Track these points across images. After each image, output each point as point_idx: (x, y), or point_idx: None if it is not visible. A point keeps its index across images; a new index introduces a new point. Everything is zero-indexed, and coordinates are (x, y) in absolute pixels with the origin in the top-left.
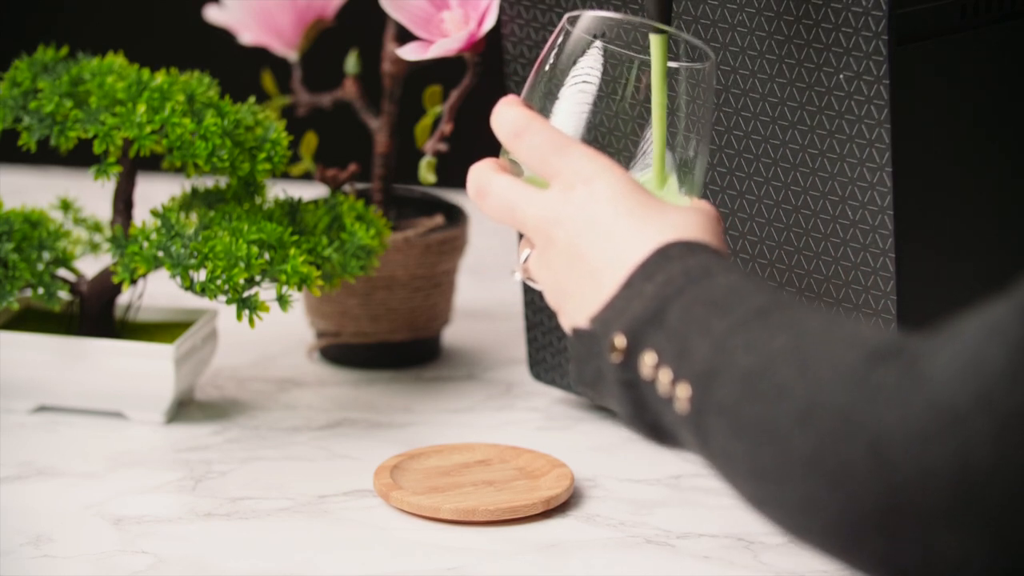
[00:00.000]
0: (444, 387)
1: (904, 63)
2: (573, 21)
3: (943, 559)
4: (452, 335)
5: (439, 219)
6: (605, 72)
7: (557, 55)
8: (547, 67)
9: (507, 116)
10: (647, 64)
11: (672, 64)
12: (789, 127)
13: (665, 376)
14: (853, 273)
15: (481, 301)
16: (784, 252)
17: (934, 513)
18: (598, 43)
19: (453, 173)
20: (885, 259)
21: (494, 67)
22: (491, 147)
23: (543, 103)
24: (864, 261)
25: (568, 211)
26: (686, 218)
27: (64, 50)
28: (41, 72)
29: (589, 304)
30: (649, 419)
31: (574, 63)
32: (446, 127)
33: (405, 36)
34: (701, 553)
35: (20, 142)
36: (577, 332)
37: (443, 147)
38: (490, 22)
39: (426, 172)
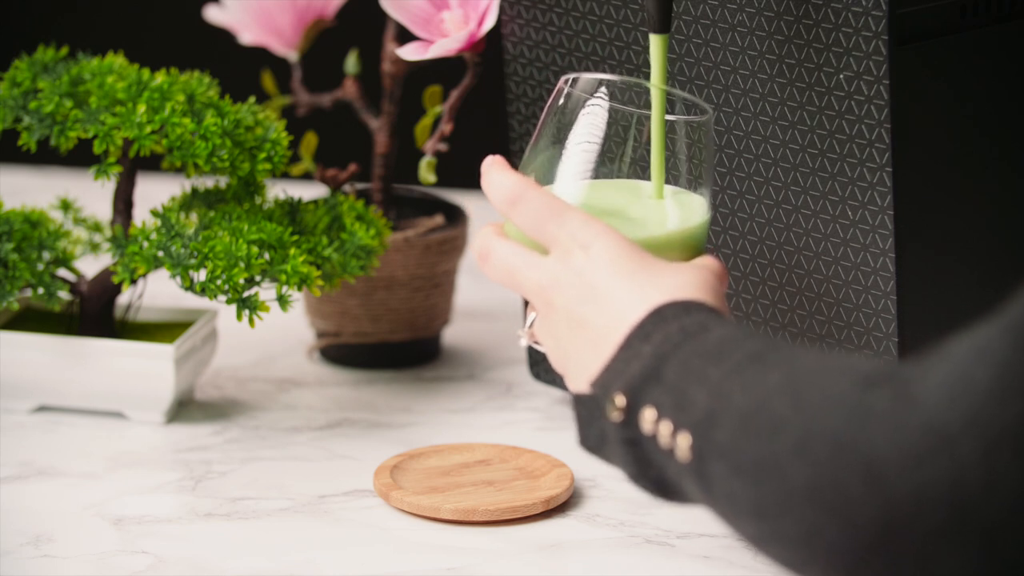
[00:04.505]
0: (444, 387)
1: (904, 63)
2: (572, 83)
3: None
4: (452, 335)
5: (439, 219)
6: (605, 130)
7: (558, 117)
8: (547, 129)
9: (502, 184)
10: (646, 117)
11: (670, 117)
12: (789, 127)
13: (666, 428)
14: (853, 273)
15: (481, 301)
16: (784, 252)
17: (931, 534)
18: (596, 102)
19: (453, 173)
20: (885, 259)
21: (494, 67)
22: (490, 148)
23: (545, 165)
24: (864, 261)
25: (566, 277)
26: (684, 277)
27: (64, 50)
28: (41, 72)
29: (590, 368)
30: (654, 475)
31: (573, 124)
32: (446, 127)
33: (405, 36)
34: (701, 553)
35: (20, 142)
36: (578, 397)
37: (443, 147)
38: (490, 22)
39: (426, 172)
